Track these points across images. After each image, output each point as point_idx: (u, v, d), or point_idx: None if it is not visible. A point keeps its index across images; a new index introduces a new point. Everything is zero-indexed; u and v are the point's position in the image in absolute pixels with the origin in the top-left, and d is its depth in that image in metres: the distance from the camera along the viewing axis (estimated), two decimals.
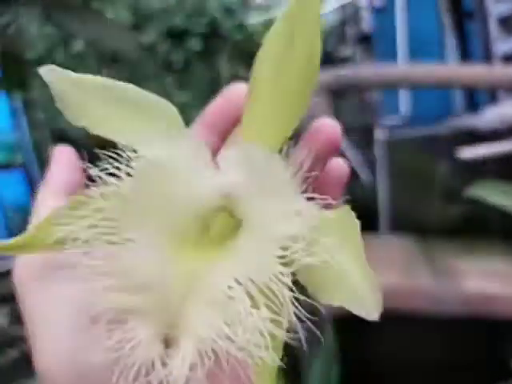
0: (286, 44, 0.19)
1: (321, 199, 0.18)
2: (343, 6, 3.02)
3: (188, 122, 0.21)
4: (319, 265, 0.17)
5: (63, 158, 0.27)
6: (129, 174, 0.18)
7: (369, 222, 1.36)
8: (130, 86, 0.20)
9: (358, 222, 0.18)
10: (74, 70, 0.20)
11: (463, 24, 2.39)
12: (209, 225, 0.19)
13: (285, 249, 0.18)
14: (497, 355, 0.88)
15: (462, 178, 1.28)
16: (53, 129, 2.75)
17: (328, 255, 0.17)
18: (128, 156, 0.18)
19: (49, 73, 0.20)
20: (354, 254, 0.18)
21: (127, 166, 0.18)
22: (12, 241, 0.20)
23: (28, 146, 2.68)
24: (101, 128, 0.20)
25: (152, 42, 2.51)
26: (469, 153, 1.44)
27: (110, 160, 0.19)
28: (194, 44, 2.64)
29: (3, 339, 1.62)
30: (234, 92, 0.23)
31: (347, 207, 0.18)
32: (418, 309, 1.08)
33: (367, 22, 2.84)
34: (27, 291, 0.22)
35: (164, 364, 0.17)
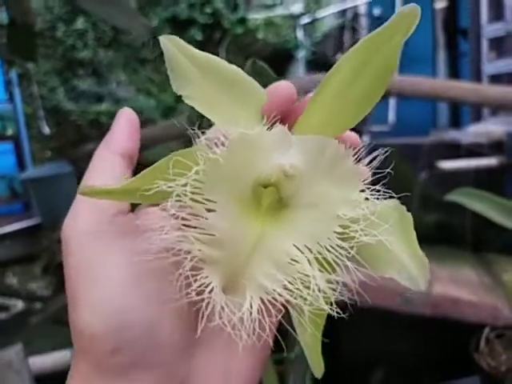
0: (366, 60, 0.22)
1: (381, 190, 0.21)
2: (343, 12, 3.07)
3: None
4: (375, 244, 0.20)
5: (125, 120, 0.27)
6: (223, 145, 0.20)
7: None
8: (236, 69, 0.22)
9: (410, 214, 0.21)
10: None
11: (457, 43, 2.45)
12: (261, 195, 0.22)
13: (344, 227, 0.20)
14: (463, 353, 0.93)
15: (440, 188, 1.33)
16: (46, 103, 2.74)
17: (383, 237, 0.20)
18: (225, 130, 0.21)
19: (167, 40, 0.21)
20: (407, 237, 0.21)
21: (224, 137, 0.20)
22: (112, 186, 0.22)
23: (20, 118, 2.66)
24: (197, 102, 0.22)
25: (154, 27, 2.52)
26: (448, 165, 1.49)
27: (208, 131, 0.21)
28: (196, 33, 2.66)
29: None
30: (281, 89, 0.24)
31: (398, 201, 0.22)
32: (390, 307, 1.13)
33: (365, 30, 2.89)
34: (78, 244, 0.22)
35: (231, 310, 0.19)
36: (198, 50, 0.22)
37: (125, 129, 0.26)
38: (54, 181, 2.16)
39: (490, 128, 1.68)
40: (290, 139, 0.22)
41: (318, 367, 0.23)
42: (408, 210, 0.22)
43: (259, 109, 0.22)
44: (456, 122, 2.24)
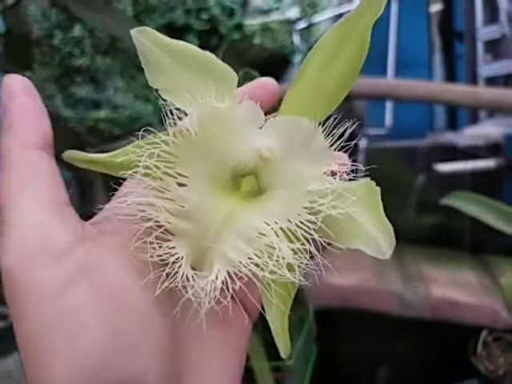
0: (339, 43, 0.23)
1: (350, 165, 0.22)
2: (339, 16, 3.08)
3: None
4: (342, 216, 0.21)
5: (24, 95, 0.20)
6: (196, 121, 0.21)
7: None
8: (208, 54, 0.22)
9: (378, 188, 0.22)
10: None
11: (453, 46, 2.46)
12: (240, 182, 0.23)
13: (313, 202, 0.21)
14: (461, 356, 0.93)
15: (437, 190, 1.34)
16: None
17: (351, 209, 0.21)
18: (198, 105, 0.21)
19: (139, 33, 0.21)
20: (373, 209, 0.22)
21: (196, 113, 0.21)
22: (92, 155, 0.22)
23: None
24: (172, 95, 0.21)
25: None
26: (445, 167, 1.50)
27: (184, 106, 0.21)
28: (192, 39, 2.68)
29: None
30: (263, 83, 0.24)
31: (368, 178, 0.22)
32: (388, 310, 1.13)
33: None
34: (31, 278, 0.17)
35: (197, 281, 0.20)
36: (170, 39, 0.22)
37: (29, 108, 0.20)
38: None
39: (487, 130, 1.69)
40: (262, 115, 0.22)
41: (284, 346, 0.23)
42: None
43: (231, 88, 0.22)
44: (453, 124, 2.24)
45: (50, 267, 0.18)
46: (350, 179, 0.22)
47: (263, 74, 0.38)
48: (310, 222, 0.21)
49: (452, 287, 1.20)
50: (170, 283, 0.19)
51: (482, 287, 1.18)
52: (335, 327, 1.14)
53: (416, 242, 1.40)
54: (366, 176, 0.22)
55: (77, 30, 2.77)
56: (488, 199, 0.74)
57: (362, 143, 1.61)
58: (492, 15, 2.18)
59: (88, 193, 1.28)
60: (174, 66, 0.22)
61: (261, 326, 0.23)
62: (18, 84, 0.20)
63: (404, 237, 1.49)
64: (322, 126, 0.22)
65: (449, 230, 1.43)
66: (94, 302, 0.18)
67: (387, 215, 0.22)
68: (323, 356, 0.75)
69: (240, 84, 0.27)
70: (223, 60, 0.23)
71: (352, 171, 0.22)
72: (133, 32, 0.21)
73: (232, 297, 0.20)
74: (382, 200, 0.22)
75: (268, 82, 0.24)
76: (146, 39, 0.21)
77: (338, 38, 0.23)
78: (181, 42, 0.22)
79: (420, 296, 1.15)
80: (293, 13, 3.20)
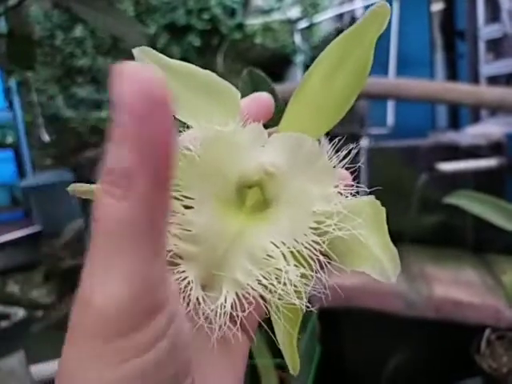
0: (343, 55, 0.22)
1: (354, 185, 0.22)
2: (340, 16, 3.08)
3: None
4: (348, 238, 0.21)
5: (164, 110, 0.14)
6: (200, 143, 0.21)
7: None
8: (208, 72, 0.22)
9: (383, 208, 0.21)
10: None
11: (454, 44, 2.46)
12: (245, 197, 0.23)
13: (319, 222, 0.21)
14: (464, 355, 0.93)
15: (439, 189, 1.34)
16: (45, 110, 2.75)
17: (356, 231, 0.21)
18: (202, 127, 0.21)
19: (141, 53, 0.21)
20: (378, 231, 0.21)
21: (201, 135, 0.21)
22: (94, 186, 0.21)
23: (20, 126, 2.67)
24: (177, 110, 0.21)
25: (152, 34, 2.54)
26: (448, 166, 1.50)
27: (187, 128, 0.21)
28: (194, 39, 2.68)
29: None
30: (260, 99, 0.24)
31: (373, 197, 0.22)
32: (391, 310, 1.13)
33: None
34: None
35: (207, 303, 0.20)
36: (170, 59, 0.22)
37: (167, 139, 0.14)
38: (55, 188, 2.17)
39: (488, 129, 1.69)
40: (265, 136, 0.22)
41: (293, 365, 0.23)
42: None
43: (234, 108, 0.22)
44: (455, 123, 2.25)
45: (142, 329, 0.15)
46: (353, 195, 0.22)
47: (264, 74, 0.38)
48: (316, 243, 0.21)
49: (455, 286, 1.20)
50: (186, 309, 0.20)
51: (484, 286, 1.18)
52: (339, 327, 1.14)
53: (418, 241, 1.40)
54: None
55: (78, 31, 2.77)
56: (491, 198, 0.74)
57: (364, 143, 1.61)
58: (493, 14, 2.17)
59: None
60: (176, 85, 0.22)
61: (265, 323, 0.23)
62: (159, 92, 0.14)
63: (406, 236, 1.50)
64: (328, 141, 0.22)
65: (451, 229, 1.44)
66: None
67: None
68: (327, 355, 0.75)
69: (244, 83, 0.27)
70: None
71: (354, 180, 0.22)
72: (135, 51, 0.21)
73: (234, 321, 0.20)
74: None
75: (264, 97, 0.24)
76: (148, 59, 0.21)
77: (341, 52, 0.22)
78: (182, 63, 0.22)
79: (423, 295, 1.15)
80: (294, 12, 3.20)
